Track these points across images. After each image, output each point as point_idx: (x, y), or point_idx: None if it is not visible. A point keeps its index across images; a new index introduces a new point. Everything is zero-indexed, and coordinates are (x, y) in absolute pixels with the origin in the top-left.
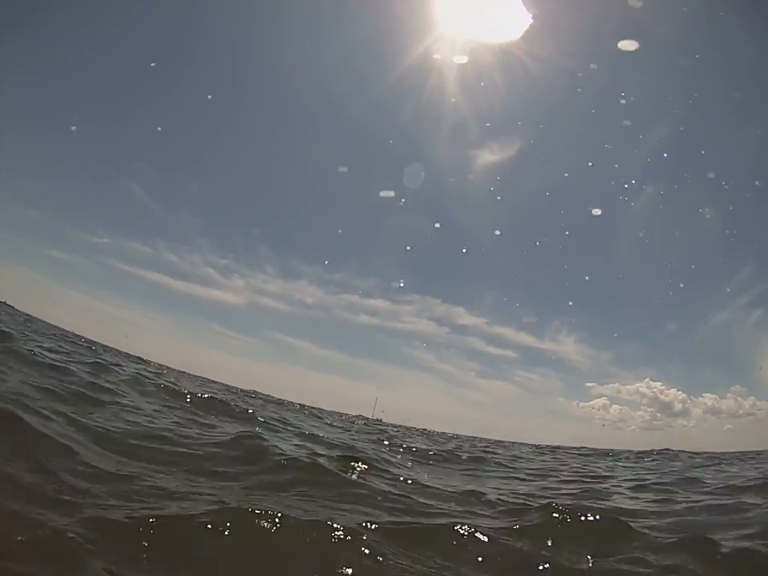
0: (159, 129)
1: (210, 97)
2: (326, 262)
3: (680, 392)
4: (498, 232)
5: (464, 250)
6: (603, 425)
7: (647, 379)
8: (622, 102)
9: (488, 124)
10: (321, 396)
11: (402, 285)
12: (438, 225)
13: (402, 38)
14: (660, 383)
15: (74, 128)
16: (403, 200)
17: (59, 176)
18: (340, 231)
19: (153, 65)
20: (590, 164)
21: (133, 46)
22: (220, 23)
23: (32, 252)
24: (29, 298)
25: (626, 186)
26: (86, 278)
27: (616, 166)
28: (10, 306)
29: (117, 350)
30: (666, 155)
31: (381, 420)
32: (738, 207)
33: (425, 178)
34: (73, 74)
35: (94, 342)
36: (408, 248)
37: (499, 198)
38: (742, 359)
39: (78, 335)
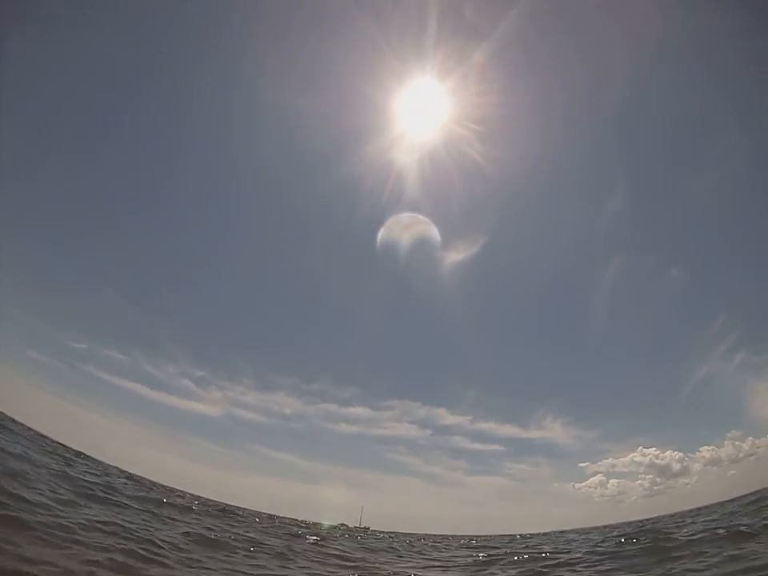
0: (137, 239)
1: (184, 214)
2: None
3: (676, 452)
4: (471, 329)
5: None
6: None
7: (640, 447)
8: (575, 183)
9: (450, 225)
10: (305, 507)
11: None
12: (410, 329)
13: (360, 137)
14: (654, 448)
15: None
16: (373, 306)
17: (40, 277)
18: (312, 342)
19: (132, 178)
20: (554, 249)
21: (112, 156)
22: (193, 128)
23: (9, 350)
24: (3, 396)
25: (593, 262)
26: (63, 382)
27: (579, 245)
28: None
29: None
30: (624, 224)
31: (368, 528)
32: (701, 259)
33: (392, 283)
34: (56, 179)
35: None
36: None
37: (469, 294)
38: (733, 403)
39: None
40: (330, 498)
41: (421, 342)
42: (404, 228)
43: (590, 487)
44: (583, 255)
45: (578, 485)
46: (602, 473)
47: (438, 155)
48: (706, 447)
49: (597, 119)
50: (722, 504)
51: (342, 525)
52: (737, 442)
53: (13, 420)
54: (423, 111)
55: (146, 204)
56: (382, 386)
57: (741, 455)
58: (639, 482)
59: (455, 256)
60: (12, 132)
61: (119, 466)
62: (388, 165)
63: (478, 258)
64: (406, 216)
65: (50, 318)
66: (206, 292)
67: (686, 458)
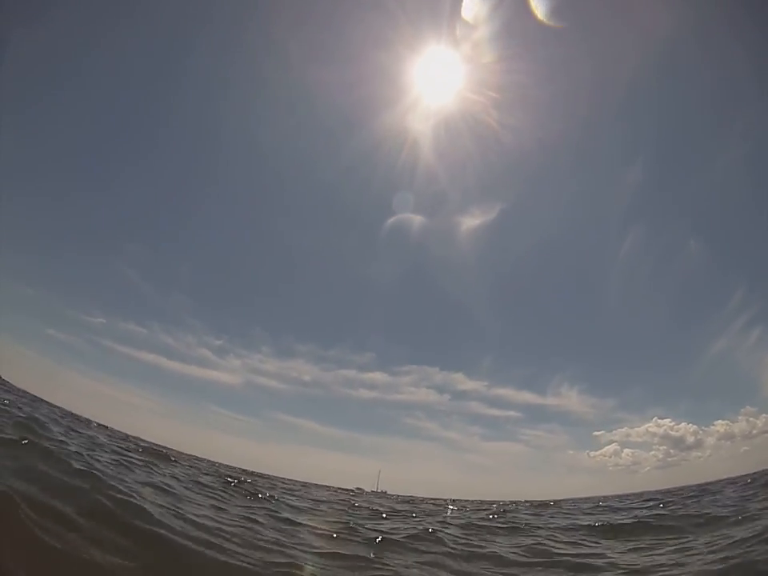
0: (151, 212)
1: (196, 180)
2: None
3: (690, 425)
4: (488, 295)
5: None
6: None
7: (655, 418)
8: (594, 153)
9: (466, 190)
10: (324, 473)
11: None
12: (427, 295)
13: (376, 106)
14: (669, 420)
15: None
16: (390, 273)
17: (53, 254)
18: (330, 309)
19: (141, 150)
20: (572, 217)
21: (122, 133)
22: (199, 102)
23: (28, 330)
24: (25, 376)
25: (610, 231)
26: (82, 358)
27: (597, 215)
28: (5, 380)
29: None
30: (643, 196)
31: (386, 492)
32: (721, 232)
33: (407, 248)
34: (69, 156)
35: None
36: (400, 320)
37: (485, 260)
38: (748, 380)
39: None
40: (348, 463)
41: (438, 308)
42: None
43: (604, 456)
44: (601, 224)
45: (592, 453)
46: (616, 442)
47: (453, 122)
48: (720, 421)
49: (617, 89)
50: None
51: (358, 489)
52: (751, 418)
53: (36, 397)
54: (438, 78)
55: (162, 180)
56: (399, 352)
57: (754, 432)
58: (653, 452)
59: (471, 221)
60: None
61: (140, 436)
62: (403, 132)
63: (494, 224)
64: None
65: (67, 297)
66: (222, 262)
67: (700, 431)
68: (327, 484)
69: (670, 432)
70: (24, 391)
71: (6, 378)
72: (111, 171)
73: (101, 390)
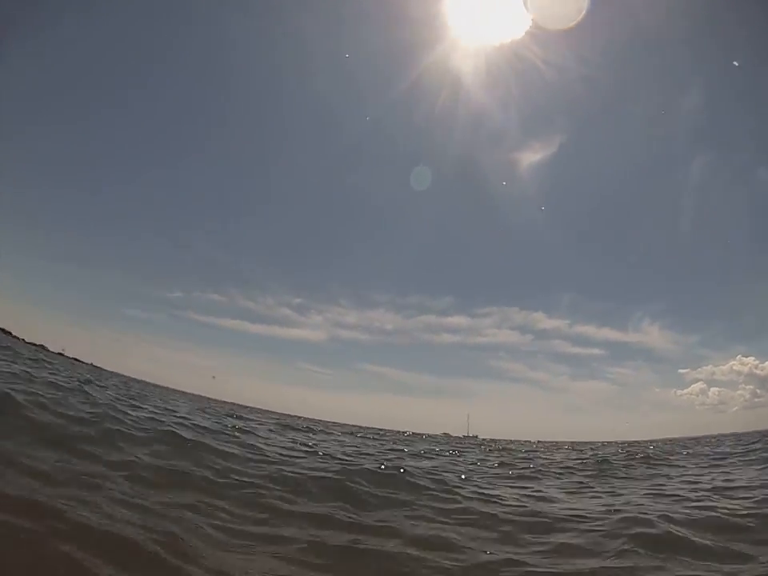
0: (215, 185)
1: (254, 140)
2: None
3: None
4: (560, 231)
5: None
6: None
7: (739, 356)
8: (646, 79)
9: (522, 125)
10: (414, 420)
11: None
12: (496, 233)
13: (416, 45)
14: (753, 357)
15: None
16: (456, 215)
17: (127, 237)
18: (402, 256)
19: (200, 125)
20: (635, 147)
21: (175, 106)
22: (245, 50)
23: (111, 313)
24: (115, 358)
25: (676, 160)
26: (166, 332)
27: (659, 145)
28: (97, 367)
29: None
30: (702, 124)
31: (477, 437)
32: None
33: (474, 186)
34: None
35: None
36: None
37: (552, 196)
38: None
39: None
40: (435, 409)
41: (510, 247)
42: None
43: (691, 395)
44: (663, 154)
45: (679, 392)
46: (702, 380)
47: (497, 58)
48: None
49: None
50: None
51: (445, 434)
52: None
53: (135, 380)
54: (480, 15)
55: (219, 146)
56: (476, 293)
57: None
58: (740, 392)
59: (532, 156)
60: None
61: (235, 401)
62: (445, 72)
63: (557, 158)
64: None
65: (142, 276)
66: (291, 222)
67: None
68: (414, 431)
69: (755, 371)
70: (123, 375)
71: (97, 365)
72: (176, 147)
73: (189, 361)
